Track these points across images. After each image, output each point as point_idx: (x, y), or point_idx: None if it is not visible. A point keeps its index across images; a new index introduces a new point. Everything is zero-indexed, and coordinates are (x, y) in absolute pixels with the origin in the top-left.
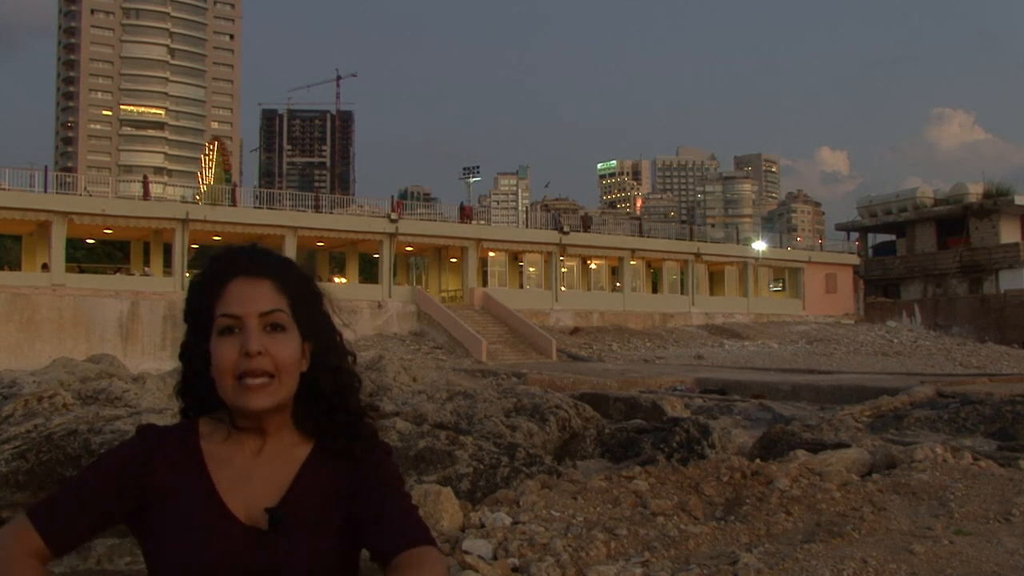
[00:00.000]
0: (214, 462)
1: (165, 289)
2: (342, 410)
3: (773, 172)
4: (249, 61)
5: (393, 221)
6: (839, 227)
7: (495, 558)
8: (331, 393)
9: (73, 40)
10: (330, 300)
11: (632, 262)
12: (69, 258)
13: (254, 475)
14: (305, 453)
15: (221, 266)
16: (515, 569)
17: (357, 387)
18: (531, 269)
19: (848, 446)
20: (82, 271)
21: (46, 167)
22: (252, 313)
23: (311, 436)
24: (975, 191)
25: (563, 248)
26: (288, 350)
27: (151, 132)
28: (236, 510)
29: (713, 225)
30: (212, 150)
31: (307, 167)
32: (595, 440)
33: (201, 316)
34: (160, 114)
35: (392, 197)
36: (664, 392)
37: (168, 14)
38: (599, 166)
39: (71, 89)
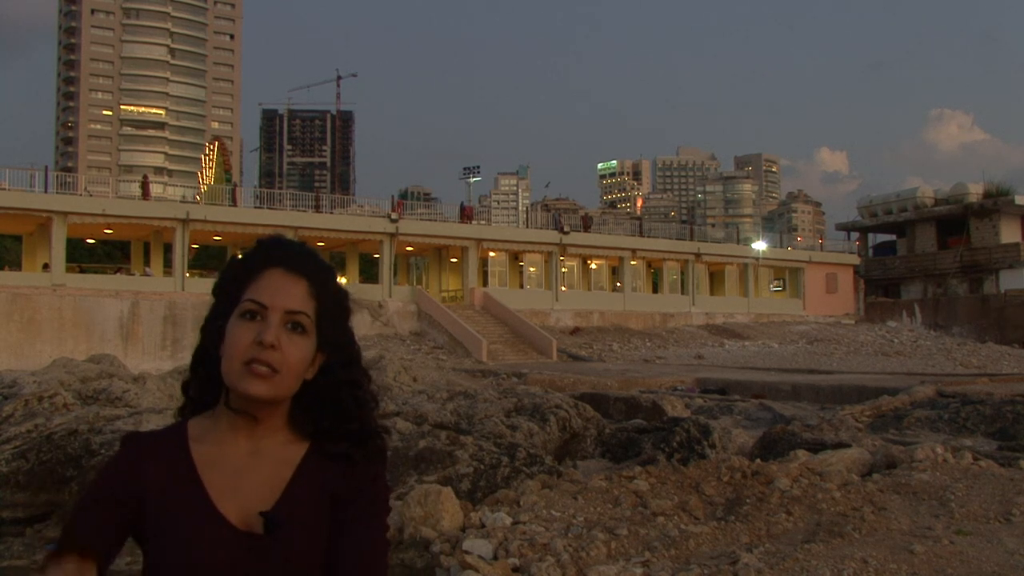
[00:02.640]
0: (205, 465)
1: (165, 289)
2: (356, 421)
3: (773, 172)
4: (249, 61)
5: (393, 221)
6: (839, 227)
7: (495, 558)
8: (351, 407)
9: (73, 40)
10: (360, 303)
11: (632, 262)
12: (69, 258)
13: (248, 477)
14: (300, 454)
15: (264, 252)
16: (515, 569)
17: (374, 407)
18: (531, 269)
19: (848, 446)
20: (82, 271)
21: (46, 167)
22: (279, 307)
23: (306, 437)
24: (975, 191)
25: (563, 248)
26: (300, 353)
27: (151, 132)
28: (230, 514)
29: (713, 225)
30: (212, 150)
31: (307, 167)
32: (595, 440)
33: (229, 293)
34: (160, 114)
35: (392, 197)
36: (664, 392)
37: (168, 14)
38: (599, 166)
39: (71, 89)
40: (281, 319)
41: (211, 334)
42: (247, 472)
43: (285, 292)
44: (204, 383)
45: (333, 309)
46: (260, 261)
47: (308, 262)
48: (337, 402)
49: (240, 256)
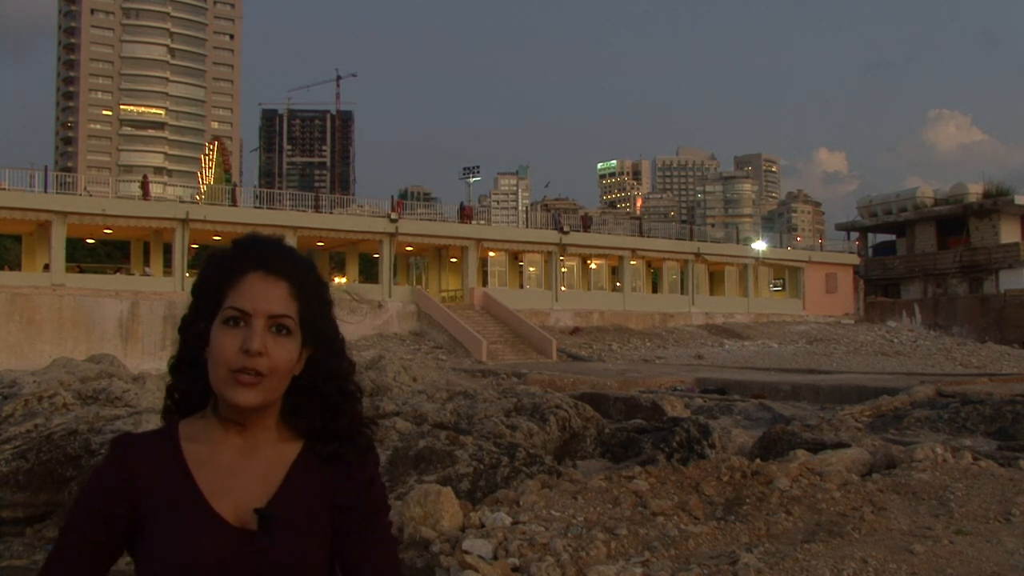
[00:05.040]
0: (198, 464)
1: (165, 289)
2: (345, 416)
3: (773, 172)
4: (249, 61)
5: (393, 221)
6: (839, 227)
7: (495, 558)
8: (336, 400)
9: (73, 40)
10: (355, 296)
11: (632, 262)
12: (69, 258)
13: (241, 475)
14: (294, 452)
15: (242, 254)
16: (515, 569)
17: (359, 397)
18: (531, 269)
19: (848, 446)
20: (82, 271)
21: (46, 167)
22: (261, 312)
23: (300, 435)
24: (975, 191)
25: (563, 248)
26: (287, 354)
27: (151, 132)
28: (224, 512)
29: (713, 225)
30: (212, 150)
31: (307, 167)
32: (595, 440)
33: (209, 297)
34: (160, 114)
35: (392, 197)
36: (664, 392)
37: (168, 14)
38: (599, 166)
39: (71, 89)
40: (265, 324)
41: (194, 337)
42: (240, 470)
43: (267, 296)
44: (190, 386)
45: (315, 305)
46: (239, 264)
47: (287, 262)
48: (324, 396)
49: (218, 256)
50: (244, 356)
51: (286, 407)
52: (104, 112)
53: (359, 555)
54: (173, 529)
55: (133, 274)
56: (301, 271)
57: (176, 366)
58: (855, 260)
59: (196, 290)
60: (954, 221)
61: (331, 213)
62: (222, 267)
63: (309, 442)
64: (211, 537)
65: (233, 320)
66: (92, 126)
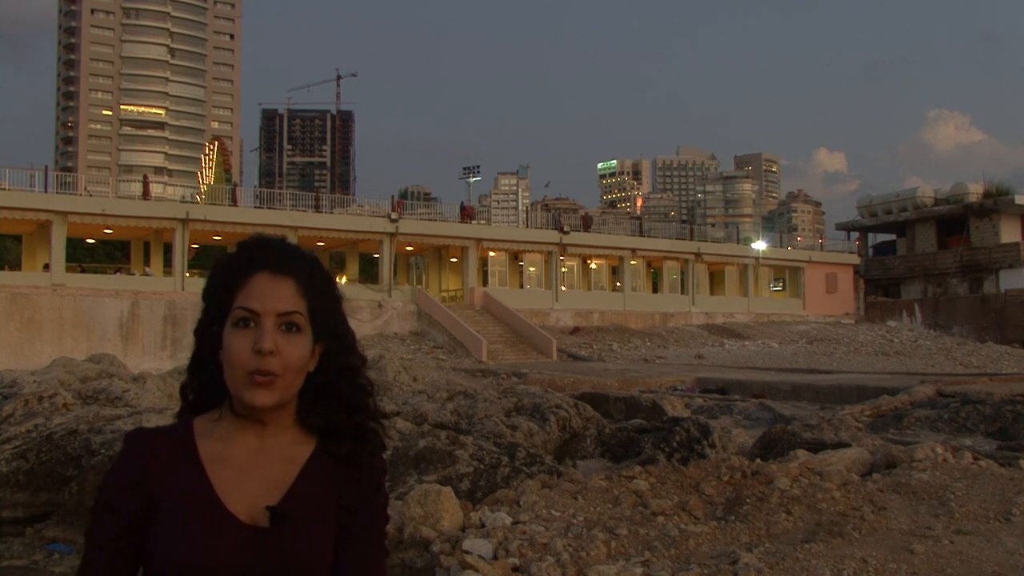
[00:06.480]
0: (212, 462)
1: (165, 289)
2: (360, 411)
3: (773, 172)
4: (249, 61)
5: (393, 221)
6: (839, 227)
7: (495, 558)
8: (351, 394)
9: (73, 40)
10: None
11: (632, 262)
12: (69, 258)
13: (255, 473)
14: (307, 452)
15: (248, 256)
16: (515, 569)
17: (371, 391)
18: (531, 269)
19: (848, 446)
20: (82, 271)
21: (46, 167)
22: (270, 311)
23: (314, 435)
24: (975, 191)
25: (563, 248)
26: (299, 351)
27: (151, 132)
28: (236, 510)
29: (713, 225)
30: (212, 150)
31: (307, 167)
32: (595, 440)
33: (219, 299)
34: (160, 114)
35: (392, 197)
36: (664, 392)
37: (168, 14)
38: (599, 166)
39: (71, 89)
40: (275, 322)
41: (207, 340)
42: (254, 469)
43: (275, 295)
44: (204, 387)
45: (324, 300)
46: (245, 266)
47: (293, 260)
48: (338, 392)
49: (224, 260)
50: (257, 357)
51: (302, 405)
52: (104, 112)
53: (353, 558)
54: (185, 526)
55: (133, 274)
56: (307, 268)
57: (192, 366)
58: (855, 260)
59: (206, 295)
60: (954, 221)
61: (331, 213)
62: (229, 270)
63: (323, 441)
64: (223, 535)
65: (243, 321)
66: (92, 126)
